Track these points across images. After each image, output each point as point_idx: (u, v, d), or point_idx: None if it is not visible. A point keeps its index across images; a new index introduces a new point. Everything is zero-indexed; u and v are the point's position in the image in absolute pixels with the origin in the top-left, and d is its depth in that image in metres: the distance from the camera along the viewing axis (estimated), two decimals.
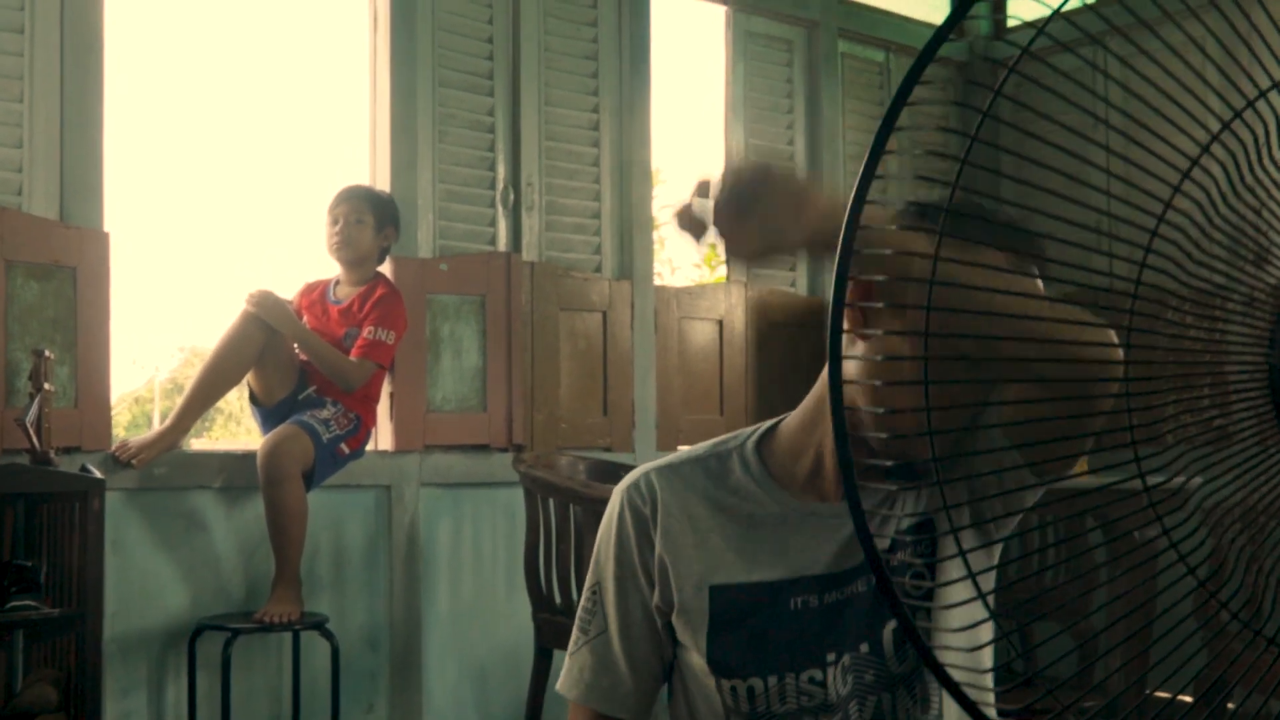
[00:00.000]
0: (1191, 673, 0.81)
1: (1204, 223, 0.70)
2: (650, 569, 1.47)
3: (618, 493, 1.53)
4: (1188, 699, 0.90)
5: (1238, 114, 0.67)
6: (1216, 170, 0.68)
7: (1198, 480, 0.74)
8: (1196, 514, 0.75)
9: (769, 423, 1.55)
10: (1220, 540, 0.76)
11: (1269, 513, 0.74)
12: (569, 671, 1.53)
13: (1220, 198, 0.69)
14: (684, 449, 1.60)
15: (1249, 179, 0.67)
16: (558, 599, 3.67)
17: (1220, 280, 0.70)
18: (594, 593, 1.52)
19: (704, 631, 1.42)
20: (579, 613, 1.54)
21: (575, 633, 1.54)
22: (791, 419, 1.51)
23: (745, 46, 5.17)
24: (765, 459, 1.49)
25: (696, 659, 1.43)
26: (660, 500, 1.48)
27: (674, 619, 1.46)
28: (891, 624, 1.40)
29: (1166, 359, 0.70)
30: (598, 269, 4.70)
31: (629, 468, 4.17)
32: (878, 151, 0.72)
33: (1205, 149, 0.67)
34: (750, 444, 1.52)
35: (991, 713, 0.75)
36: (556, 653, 3.73)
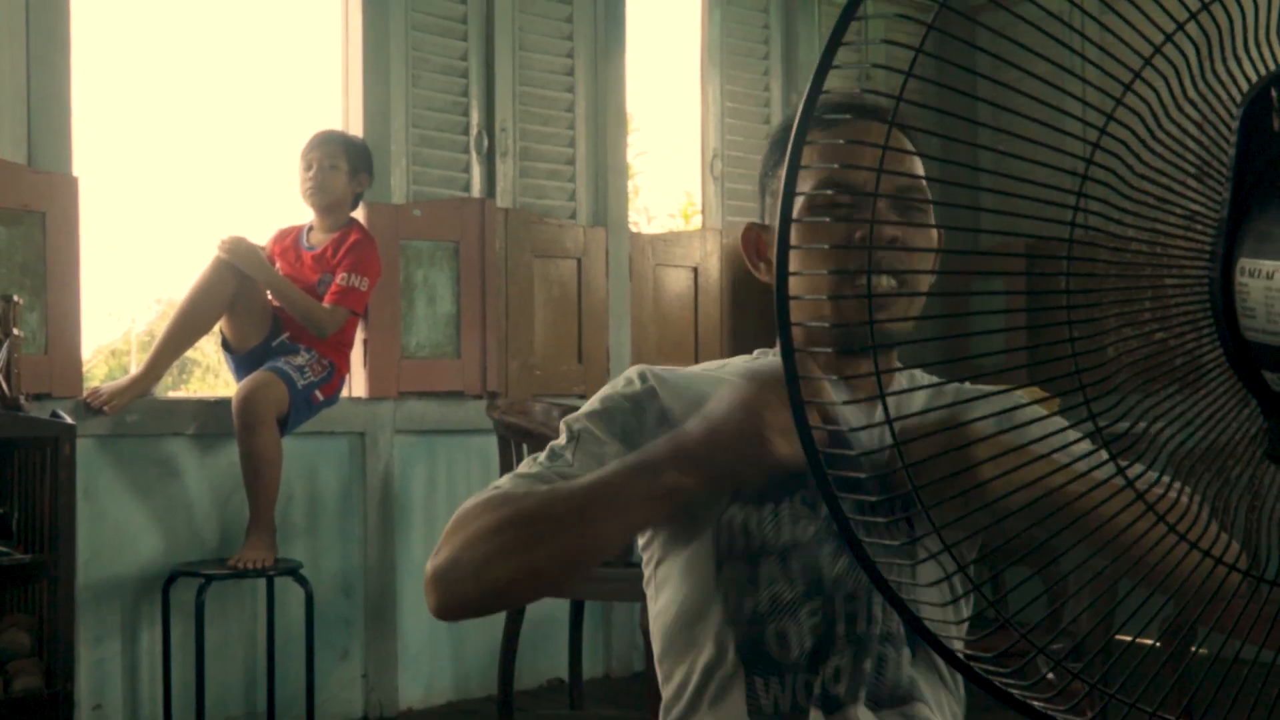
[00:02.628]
0: (1159, 616, 0.81)
1: (1146, 137, 0.70)
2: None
3: (630, 371, 1.47)
4: (1151, 642, 0.91)
5: (1180, 26, 0.67)
6: (1160, 85, 0.68)
7: (1159, 425, 0.74)
8: (1156, 458, 0.76)
9: (757, 351, 1.55)
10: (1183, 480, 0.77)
11: (1228, 452, 0.75)
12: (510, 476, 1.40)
13: (1163, 111, 0.69)
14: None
15: (1191, 93, 0.67)
16: None
17: (1162, 195, 0.70)
18: (575, 438, 1.41)
19: None
20: (547, 450, 1.41)
21: (537, 457, 1.41)
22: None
23: None
24: None
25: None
26: (663, 390, 1.42)
27: None
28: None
29: (1108, 272, 0.70)
30: (572, 215, 4.68)
31: None
32: (825, 64, 0.72)
33: (1147, 61, 0.67)
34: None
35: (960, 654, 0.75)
36: None
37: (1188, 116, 0.69)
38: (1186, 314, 0.69)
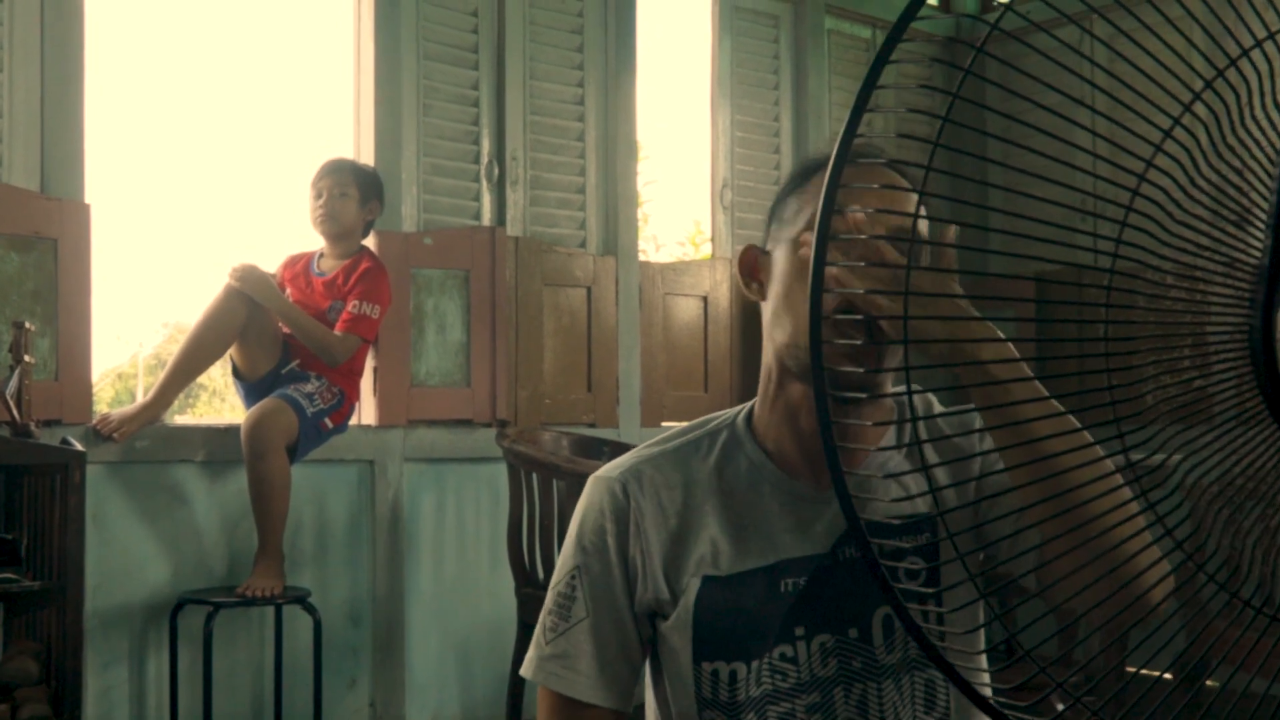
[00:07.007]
0: (1172, 652, 0.80)
1: (1185, 183, 0.69)
2: (631, 565, 1.43)
3: (599, 483, 1.48)
4: (1168, 676, 0.90)
5: (1220, 73, 0.67)
6: (1200, 131, 0.68)
7: (1179, 458, 0.74)
8: (1179, 489, 0.75)
9: (749, 404, 1.54)
10: (1202, 514, 0.76)
11: (1247, 491, 0.74)
12: (547, 659, 1.45)
13: (1202, 158, 0.69)
14: (673, 425, 1.58)
15: (1230, 139, 0.67)
16: (541, 574, 3.67)
17: (1202, 241, 0.69)
18: (573, 578, 1.45)
19: (690, 620, 1.39)
20: (556, 597, 1.47)
21: (552, 618, 1.46)
22: (757, 402, 1.51)
23: (732, 22, 5.15)
24: (759, 439, 1.48)
25: (679, 643, 1.41)
26: (639, 498, 1.44)
27: (660, 612, 1.42)
28: (883, 610, 1.37)
29: (1147, 318, 0.69)
30: (582, 244, 4.69)
31: (613, 444, 4.18)
32: (857, 116, 0.72)
33: (1187, 108, 0.67)
34: (740, 421, 1.51)
35: (988, 695, 0.74)
36: None
37: (1228, 163, 0.69)
38: (1225, 361, 0.69)
